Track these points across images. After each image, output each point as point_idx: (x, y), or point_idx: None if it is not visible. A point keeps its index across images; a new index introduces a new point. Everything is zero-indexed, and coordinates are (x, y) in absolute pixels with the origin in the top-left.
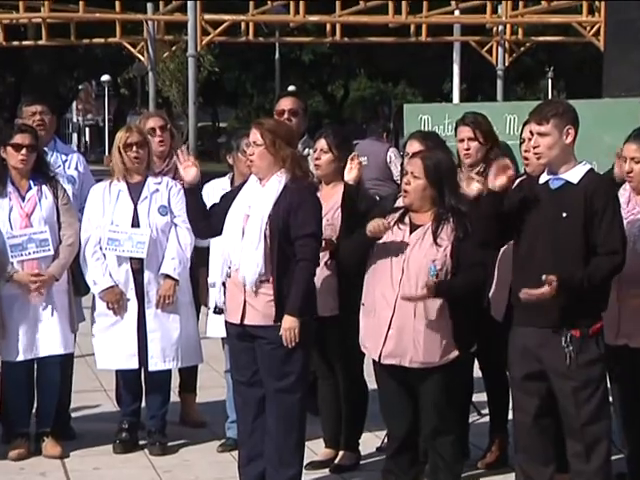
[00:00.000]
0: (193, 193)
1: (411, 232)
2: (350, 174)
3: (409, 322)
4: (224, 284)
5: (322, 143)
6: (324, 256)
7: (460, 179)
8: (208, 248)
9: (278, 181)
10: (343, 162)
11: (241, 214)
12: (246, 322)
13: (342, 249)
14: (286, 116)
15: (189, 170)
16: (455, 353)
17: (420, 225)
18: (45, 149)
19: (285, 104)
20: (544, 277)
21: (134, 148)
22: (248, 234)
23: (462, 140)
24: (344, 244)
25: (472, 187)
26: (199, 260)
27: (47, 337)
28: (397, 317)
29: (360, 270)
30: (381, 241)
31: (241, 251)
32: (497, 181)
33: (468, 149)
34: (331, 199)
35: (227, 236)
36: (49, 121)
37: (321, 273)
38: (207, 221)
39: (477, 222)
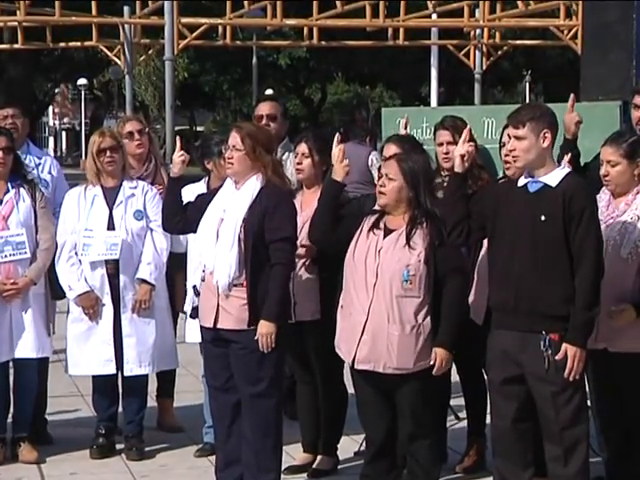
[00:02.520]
0: (177, 184)
1: (385, 236)
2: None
3: (383, 327)
4: (196, 287)
5: (303, 147)
6: (305, 260)
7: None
8: (185, 254)
9: (254, 185)
10: (324, 166)
11: (216, 217)
12: (219, 326)
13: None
14: (264, 121)
15: (179, 163)
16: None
17: (394, 229)
18: (18, 152)
19: (263, 109)
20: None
21: (108, 153)
22: (222, 237)
23: (441, 144)
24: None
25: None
26: (176, 266)
27: (23, 340)
28: (371, 322)
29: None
30: (356, 246)
31: (215, 254)
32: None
33: (447, 153)
34: (312, 204)
35: (202, 239)
36: (21, 124)
37: (302, 277)
38: (181, 216)
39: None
